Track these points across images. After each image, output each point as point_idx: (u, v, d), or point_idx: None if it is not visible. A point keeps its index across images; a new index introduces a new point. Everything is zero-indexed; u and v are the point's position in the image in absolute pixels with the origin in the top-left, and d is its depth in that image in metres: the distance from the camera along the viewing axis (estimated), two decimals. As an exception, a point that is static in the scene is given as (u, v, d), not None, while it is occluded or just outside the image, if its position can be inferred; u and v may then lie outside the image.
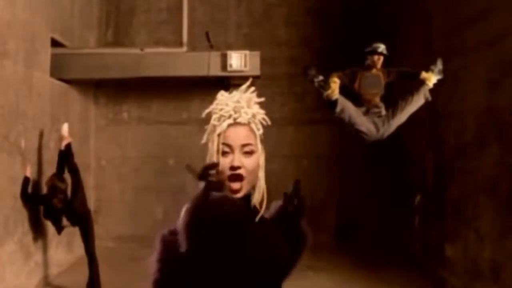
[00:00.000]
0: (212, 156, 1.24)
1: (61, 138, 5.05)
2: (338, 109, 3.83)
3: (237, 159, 1.20)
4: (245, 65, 5.66)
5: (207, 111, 1.29)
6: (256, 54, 5.80)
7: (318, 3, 7.25)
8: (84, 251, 4.79)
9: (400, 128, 4.03)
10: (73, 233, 5.21)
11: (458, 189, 4.89)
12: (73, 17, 6.25)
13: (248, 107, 1.26)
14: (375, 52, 3.97)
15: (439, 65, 4.02)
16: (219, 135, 1.23)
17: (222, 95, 1.28)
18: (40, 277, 5.14)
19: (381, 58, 3.99)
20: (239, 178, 1.19)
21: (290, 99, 7.21)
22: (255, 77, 4.92)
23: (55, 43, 5.61)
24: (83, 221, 4.78)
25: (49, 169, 5.04)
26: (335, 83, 3.81)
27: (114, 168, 7.21)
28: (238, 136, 1.22)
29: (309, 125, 7.15)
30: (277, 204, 1.36)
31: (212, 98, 1.30)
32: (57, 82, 5.71)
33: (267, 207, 1.29)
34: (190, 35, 6.54)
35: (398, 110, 3.94)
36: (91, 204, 6.30)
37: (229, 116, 1.23)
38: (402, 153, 6.42)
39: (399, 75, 4.09)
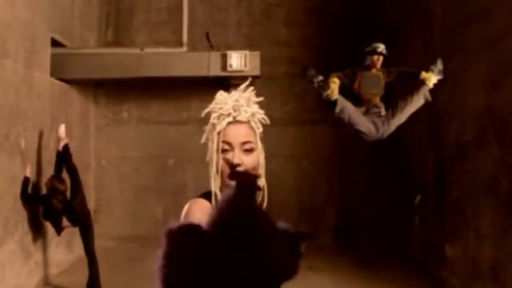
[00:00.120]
0: (212, 155, 1.24)
1: (58, 139, 5.05)
2: (337, 109, 3.82)
3: (237, 156, 1.20)
4: (245, 65, 5.66)
5: (206, 110, 1.29)
6: (256, 54, 5.80)
7: (318, 3, 7.25)
8: (84, 251, 4.79)
9: (400, 128, 4.02)
10: (73, 233, 5.21)
11: (458, 189, 4.89)
12: (73, 17, 6.25)
13: (248, 106, 1.26)
14: (374, 52, 3.97)
15: (439, 65, 4.01)
16: (218, 133, 1.23)
17: (221, 95, 1.28)
18: (40, 277, 5.14)
19: (381, 58, 3.98)
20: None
21: (290, 99, 7.21)
22: (255, 77, 4.95)
23: (55, 43, 5.61)
24: (83, 221, 4.77)
25: (49, 169, 5.04)
26: (334, 83, 3.81)
27: (114, 168, 7.21)
28: (238, 134, 1.22)
29: (309, 125, 7.15)
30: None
31: (212, 98, 1.30)
32: (57, 82, 5.71)
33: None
34: (190, 35, 6.54)
35: (398, 110, 3.93)
36: (91, 204, 6.31)
37: (229, 115, 1.23)
38: (402, 153, 6.42)
39: (399, 75, 4.08)
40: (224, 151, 1.22)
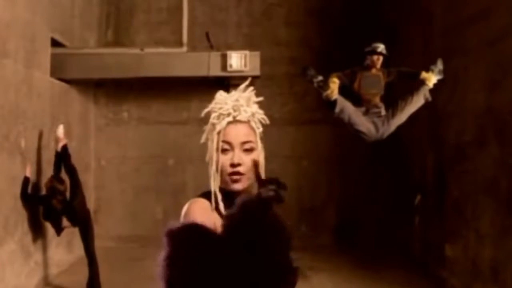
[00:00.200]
0: (212, 154, 1.24)
1: (57, 139, 5.05)
2: (337, 109, 3.82)
3: (237, 156, 1.20)
4: (245, 65, 5.66)
5: (206, 110, 1.29)
6: (256, 54, 5.80)
7: (318, 3, 7.26)
8: (84, 251, 4.79)
9: (400, 128, 4.02)
10: (73, 233, 5.21)
11: (458, 189, 4.89)
12: (73, 17, 6.25)
13: (248, 105, 1.26)
14: (374, 52, 3.96)
15: (439, 65, 4.01)
16: (218, 133, 1.23)
17: (221, 95, 1.28)
18: (40, 277, 5.13)
19: (381, 58, 3.98)
20: (239, 175, 1.19)
21: (290, 99, 7.22)
22: (255, 77, 4.96)
23: (55, 43, 5.61)
24: (83, 221, 4.78)
25: (49, 169, 5.04)
26: (334, 83, 3.81)
27: (114, 168, 7.21)
28: (237, 133, 1.22)
29: (309, 125, 7.16)
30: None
31: (212, 98, 1.30)
32: (57, 82, 5.71)
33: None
34: (190, 35, 6.54)
35: (398, 110, 3.93)
36: (91, 204, 6.31)
37: (229, 114, 1.23)
38: (402, 153, 6.42)
39: (399, 75, 4.08)
40: (224, 150, 1.22)
